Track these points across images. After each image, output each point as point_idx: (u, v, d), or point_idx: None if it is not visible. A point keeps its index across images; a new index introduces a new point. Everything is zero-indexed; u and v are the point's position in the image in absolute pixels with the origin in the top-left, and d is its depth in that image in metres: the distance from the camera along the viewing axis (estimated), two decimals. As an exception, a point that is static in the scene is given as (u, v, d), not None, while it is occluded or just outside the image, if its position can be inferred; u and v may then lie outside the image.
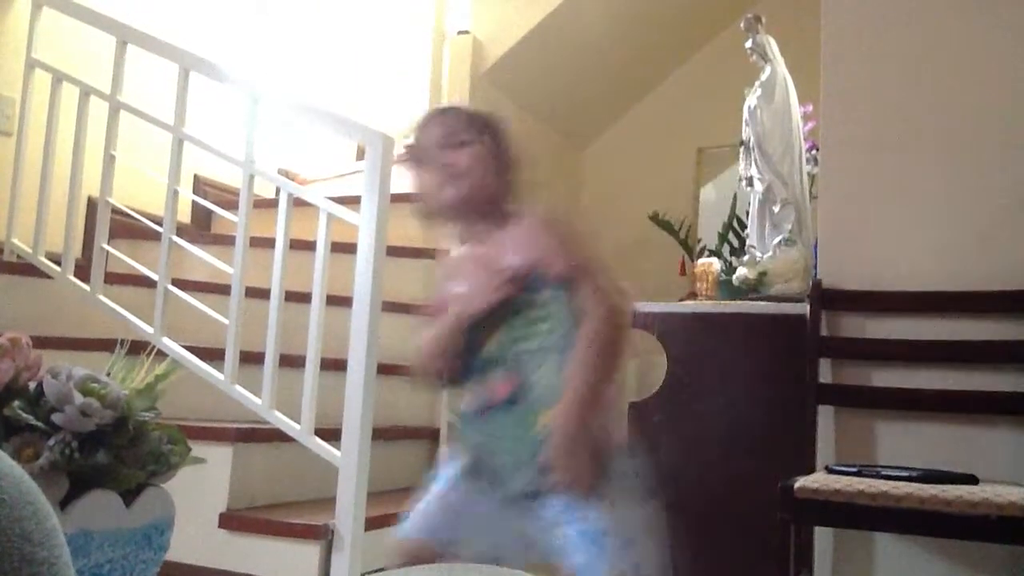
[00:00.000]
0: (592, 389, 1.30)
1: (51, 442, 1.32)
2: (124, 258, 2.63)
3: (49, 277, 2.67)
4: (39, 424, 1.33)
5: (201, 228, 3.58)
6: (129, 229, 2.89)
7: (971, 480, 1.77)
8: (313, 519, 2.13)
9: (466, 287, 1.41)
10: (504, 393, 1.34)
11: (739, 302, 2.56)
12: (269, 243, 2.33)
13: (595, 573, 1.31)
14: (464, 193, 1.50)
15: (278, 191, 2.36)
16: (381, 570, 2.21)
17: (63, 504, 1.32)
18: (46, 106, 2.75)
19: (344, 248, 2.28)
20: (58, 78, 2.75)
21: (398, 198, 2.25)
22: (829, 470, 1.91)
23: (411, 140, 1.58)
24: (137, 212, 2.75)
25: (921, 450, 2.08)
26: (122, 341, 1.58)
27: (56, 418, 1.33)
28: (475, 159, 1.51)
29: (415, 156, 1.56)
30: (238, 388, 2.29)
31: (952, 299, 2.11)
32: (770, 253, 2.66)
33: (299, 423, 2.19)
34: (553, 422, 1.28)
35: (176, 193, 2.49)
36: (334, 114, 2.51)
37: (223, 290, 2.39)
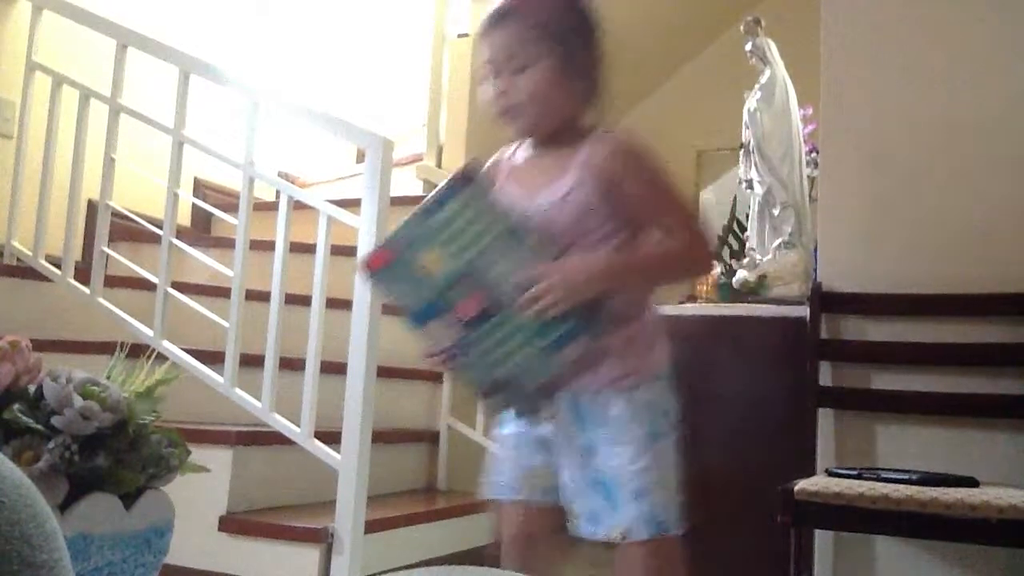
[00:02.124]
0: (647, 268, 1.31)
1: (51, 445, 1.32)
2: (124, 261, 2.63)
3: (49, 280, 2.67)
4: (39, 427, 1.33)
5: (201, 231, 3.58)
6: (129, 232, 2.89)
7: (971, 483, 1.77)
8: (313, 522, 2.13)
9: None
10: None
11: (739, 305, 2.56)
12: (269, 246, 2.33)
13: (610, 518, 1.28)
14: (526, 125, 1.31)
15: (278, 194, 2.36)
16: (382, 573, 2.21)
17: (63, 507, 1.32)
18: (46, 109, 2.75)
19: (344, 251, 2.28)
20: (58, 81, 2.76)
21: (398, 200, 2.25)
22: (829, 473, 1.91)
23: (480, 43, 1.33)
24: (137, 215, 2.75)
25: (921, 453, 2.08)
26: (122, 344, 1.58)
27: (56, 421, 1.33)
28: (539, 84, 1.28)
29: (482, 68, 1.32)
30: (238, 391, 2.29)
31: (952, 302, 2.11)
32: (770, 256, 2.66)
33: (299, 426, 2.19)
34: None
35: (176, 196, 2.49)
36: (334, 117, 2.51)
37: (223, 293, 2.39)
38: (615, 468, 1.28)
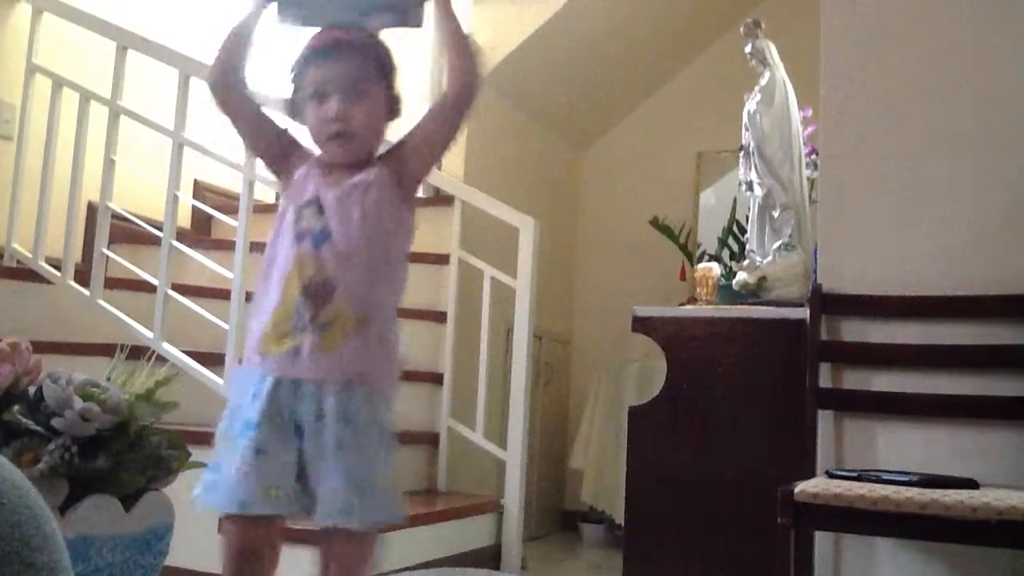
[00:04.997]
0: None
1: (51, 447, 1.32)
2: (124, 263, 2.64)
3: (49, 282, 2.67)
4: (39, 429, 1.33)
5: (201, 233, 3.58)
6: (129, 234, 2.89)
7: (971, 484, 1.76)
8: (312, 523, 2.12)
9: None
10: None
11: (739, 307, 2.56)
12: (269, 248, 2.32)
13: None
14: (355, 151, 1.37)
15: (278, 196, 2.36)
16: (383, 574, 2.21)
17: (63, 509, 1.32)
18: (46, 111, 2.75)
19: (344, 253, 2.28)
20: (58, 83, 2.76)
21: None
22: (829, 475, 1.91)
23: (301, 60, 1.43)
24: (137, 217, 2.75)
25: (921, 454, 2.07)
26: (122, 346, 1.58)
27: (56, 423, 1.33)
28: (373, 113, 1.37)
29: (307, 85, 1.40)
30: (238, 393, 2.28)
31: (952, 303, 2.11)
32: (770, 258, 2.66)
33: (299, 428, 2.19)
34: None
35: (176, 198, 2.49)
36: (334, 119, 2.51)
37: (223, 295, 2.39)
38: (354, 465, 1.33)
